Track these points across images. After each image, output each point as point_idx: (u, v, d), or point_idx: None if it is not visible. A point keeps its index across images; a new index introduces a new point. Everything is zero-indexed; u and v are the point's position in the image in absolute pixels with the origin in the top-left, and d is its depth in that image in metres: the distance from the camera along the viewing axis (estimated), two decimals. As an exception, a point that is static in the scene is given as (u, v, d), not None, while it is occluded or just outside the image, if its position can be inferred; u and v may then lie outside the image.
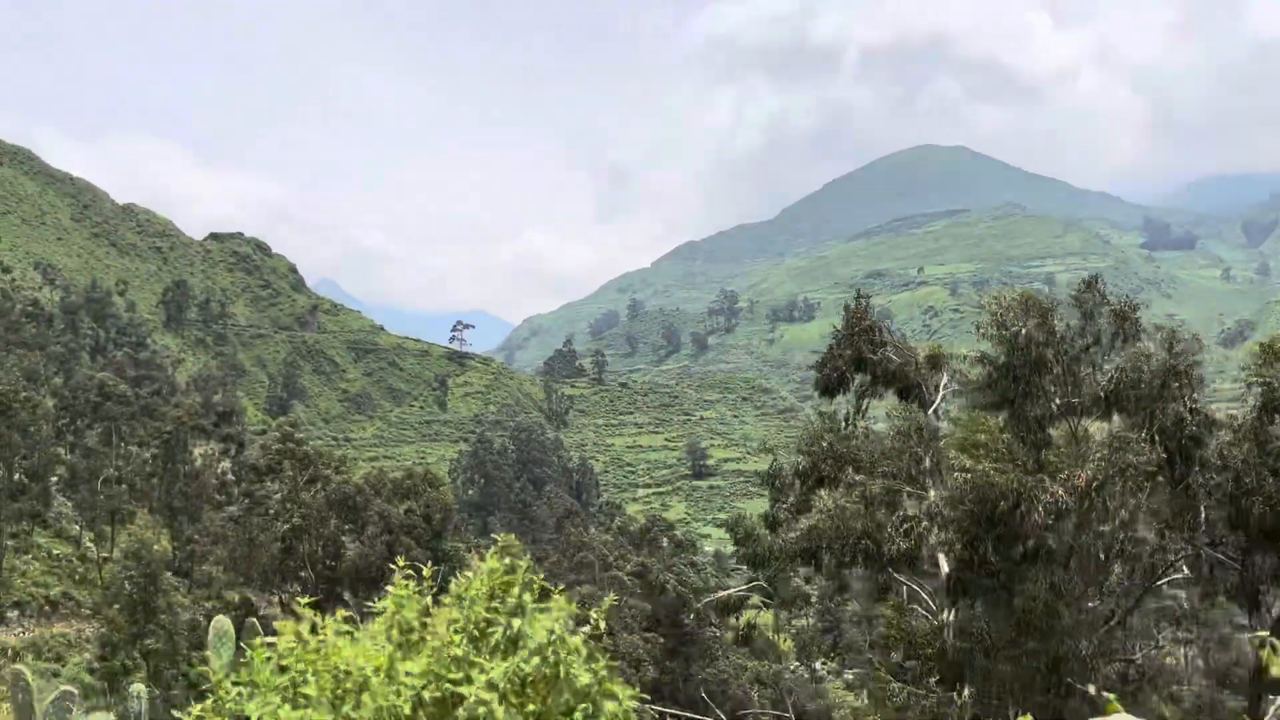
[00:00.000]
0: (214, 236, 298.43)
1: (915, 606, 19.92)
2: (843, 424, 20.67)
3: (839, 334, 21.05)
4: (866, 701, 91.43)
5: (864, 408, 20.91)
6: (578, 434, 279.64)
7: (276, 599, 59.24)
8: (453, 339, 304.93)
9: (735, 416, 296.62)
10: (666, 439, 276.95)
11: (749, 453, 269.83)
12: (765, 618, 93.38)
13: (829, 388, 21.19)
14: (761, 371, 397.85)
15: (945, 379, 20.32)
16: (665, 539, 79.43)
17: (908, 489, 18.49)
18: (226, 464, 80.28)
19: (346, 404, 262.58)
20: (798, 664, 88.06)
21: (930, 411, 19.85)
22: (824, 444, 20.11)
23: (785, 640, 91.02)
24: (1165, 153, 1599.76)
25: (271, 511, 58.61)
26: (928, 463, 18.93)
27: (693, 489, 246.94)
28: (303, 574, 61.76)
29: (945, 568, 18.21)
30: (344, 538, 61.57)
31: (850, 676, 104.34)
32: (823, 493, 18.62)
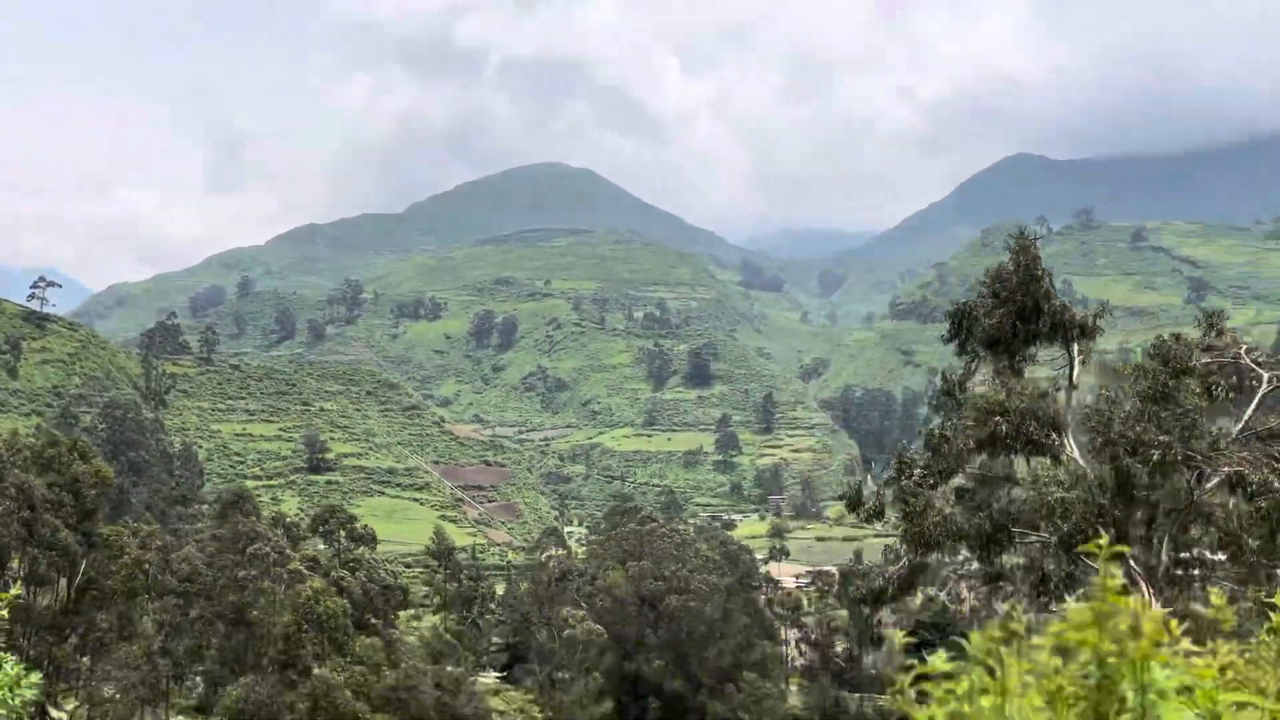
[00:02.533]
0: None
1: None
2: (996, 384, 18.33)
3: (1004, 275, 18.49)
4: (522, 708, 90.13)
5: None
6: (179, 416, 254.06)
7: None
8: (32, 296, 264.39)
9: (358, 410, 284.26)
10: (281, 429, 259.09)
11: (372, 448, 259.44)
12: (434, 618, 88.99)
13: (998, 339, 18.25)
14: (383, 366, 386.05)
15: (1077, 350, 18.87)
16: (343, 532, 72.29)
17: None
18: None
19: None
20: (458, 668, 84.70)
21: (1070, 382, 18.35)
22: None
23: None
24: (761, 201, 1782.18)
25: None
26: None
27: (309, 483, 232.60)
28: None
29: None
30: (-42, 515, 49.66)
31: (491, 680, 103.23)
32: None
